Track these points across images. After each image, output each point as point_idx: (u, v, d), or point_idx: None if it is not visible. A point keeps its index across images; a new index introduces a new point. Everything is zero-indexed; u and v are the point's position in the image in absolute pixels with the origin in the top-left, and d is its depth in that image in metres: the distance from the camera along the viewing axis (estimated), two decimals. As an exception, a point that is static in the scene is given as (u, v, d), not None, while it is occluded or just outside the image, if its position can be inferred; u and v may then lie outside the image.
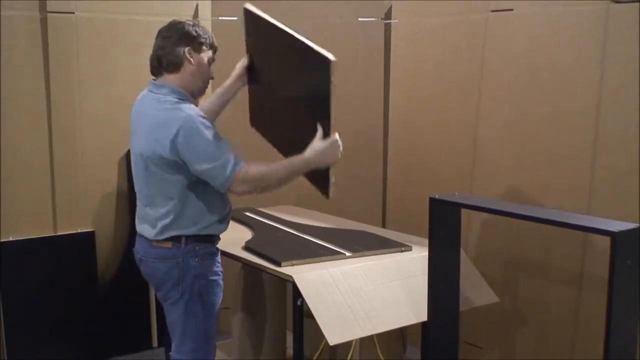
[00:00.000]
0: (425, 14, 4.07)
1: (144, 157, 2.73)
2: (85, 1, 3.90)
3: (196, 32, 2.79)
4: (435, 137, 4.08)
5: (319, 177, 2.81)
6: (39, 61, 3.84)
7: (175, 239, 2.75)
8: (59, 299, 3.98)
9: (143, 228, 2.84)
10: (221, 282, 2.87)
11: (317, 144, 2.71)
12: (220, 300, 2.89)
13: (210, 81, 2.90)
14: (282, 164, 2.77)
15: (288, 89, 2.96)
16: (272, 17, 4.21)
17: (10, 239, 3.85)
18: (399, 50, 4.25)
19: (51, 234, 3.98)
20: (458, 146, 3.93)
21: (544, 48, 3.45)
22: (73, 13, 3.88)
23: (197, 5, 4.26)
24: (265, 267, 2.98)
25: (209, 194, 2.76)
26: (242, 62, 3.12)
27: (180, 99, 2.73)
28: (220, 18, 4.25)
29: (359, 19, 4.27)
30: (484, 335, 3.86)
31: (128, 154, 4.14)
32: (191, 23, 2.81)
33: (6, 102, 3.76)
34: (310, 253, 3.09)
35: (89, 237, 4.08)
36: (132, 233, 4.18)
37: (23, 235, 3.89)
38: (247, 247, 3.19)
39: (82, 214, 4.06)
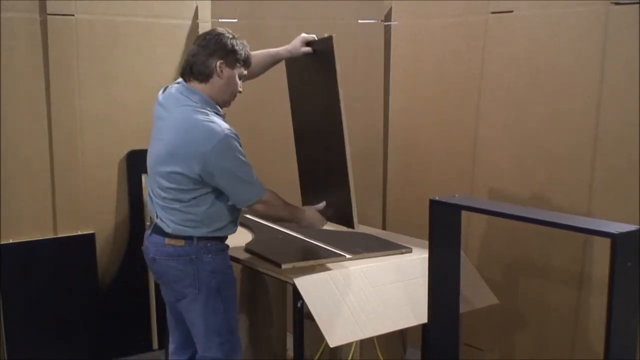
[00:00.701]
0: (425, 16, 4.07)
1: (165, 161, 2.74)
2: (84, 2, 3.89)
3: (233, 46, 2.78)
4: (435, 138, 4.07)
5: (342, 216, 3.02)
6: (39, 63, 3.83)
7: (188, 238, 2.78)
8: (59, 301, 3.98)
9: (157, 222, 2.86)
10: (234, 275, 2.93)
11: (316, 214, 3.03)
12: (237, 293, 2.95)
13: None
14: (292, 208, 2.97)
15: (324, 148, 3.13)
16: (272, 19, 4.23)
17: (11, 241, 3.84)
18: (399, 52, 4.25)
19: (51, 236, 3.98)
20: (458, 147, 3.93)
21: (543, 49, 3.45)
22: (73, 15, 3.87)
23: (197, 7, 4.25)
24: (265, 268, 2.98)
25: (224, 200, 2.80)
26: (306, 48, 3.10)
27: (212, 112, 2.75)
28: (220, 20, 4.24)
29: (359, 21, 4.27)
30: (484, 336, 3.86)
31: (129, 155, 4.16)
32: (230, 35, 2.79)
33: (6, 104, 3.76)
34: (310, 255, 3.09)
35: (90, 239, 4.08)
36: (133, 235, 4.22)
37: (23, 237, 3.89)
38: (248, 249, 3.19)
39: (83, 216, 4.05)
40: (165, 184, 2.76)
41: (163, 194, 2.79)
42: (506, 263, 3.70)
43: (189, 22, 4.25)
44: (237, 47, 2.78)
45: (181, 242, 2.78)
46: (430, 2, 4.03)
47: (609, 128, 3.24)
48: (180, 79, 2.88)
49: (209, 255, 2.80)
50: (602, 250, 3.25)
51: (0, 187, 3.78)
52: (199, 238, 2.78)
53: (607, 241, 2.14)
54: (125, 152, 4.15)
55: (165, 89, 2.92)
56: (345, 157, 2.89)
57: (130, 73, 4.10)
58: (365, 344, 3.48)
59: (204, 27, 4.25)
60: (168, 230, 2.79)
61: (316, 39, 3.09)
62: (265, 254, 3.07)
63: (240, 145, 2.72)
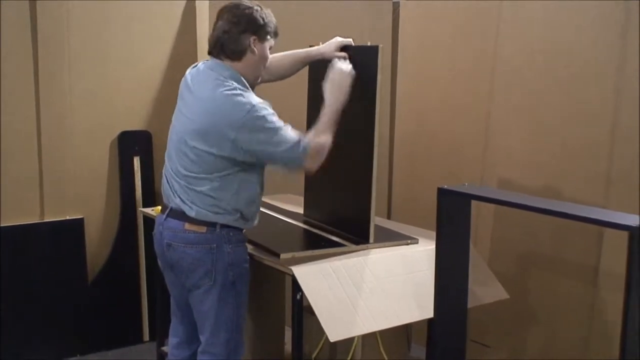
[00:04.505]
0: (435, -6, 4.06)
1: (194, 139, 2.74)
2: (76, -25, 3.89)
3: (263, 19, 2.81)
4: (444, 124, 4.06)
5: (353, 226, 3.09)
6: (27, 38, 3.83)
7: (210, 224, 2.78)
8: (46, 289, 3.99)
9: (175, 205, 2.84)
10: (249, 270, 2.93)
11: (341, 77, 2.92)
12: (249, 290, 2.95)
13: None
14: (326, 122, 2.86)
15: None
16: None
17: (-5, 225, 3.86)
18: (407, 32, 4.23)
19: (38, 220, 3.98)
20: (468, 133, 3.92)
21: (560, 32, 3.43)
22: (63, -12, 3.87)
23: (194, -18, 4.25)
24: (263, 258, 2.97)
25: (251, 188, 2.82)
26: (341, 54, 3.15)
27: (242, 89, 2.75)
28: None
29: (367, -1, 4.26)
30: (493, 333, 3.86)
31: (121, 136, 4.17)
32: (258, 8, 2.81)
33: (-9, 82, 3.76)
34: (310, 244, 3.09)
35: (78, 224, 4.09)
36: (124, 220, 4.23)
37: (8, 222, 3.89)
38: (244, 237, 3.19)
39: (71, 200, 4.06)
40: (191, 163, 2.76)
41: (187, 174, 2.78)
42: (517, 256, 3.70)
43: (185, -1, 4.25)
44: (267, 20, 2.82)
45: (203, 229, 2.77)
46: (441, -21, 4.01)
47: (628, 116, 3.22)
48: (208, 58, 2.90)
49: (230, 246, 2.80)
50: (618, 244, 3.25)
51: (-16, 168, 3.79)
52: (222, 225, 2.78)
53: (624, 234, 2.13)
54: (117, 132, 4.16)
55: (194, 66, 2.95)
56: (371, 167, 2.98)
57: (124, 50, 4.10)
58: (368, 340, 3.48)
59: (201, 5, 4.24)
60: (191, 213, 2.77)
61: (352, 43, 3.14)
62: (262, 242, 3.06)
63: (273, 113, 2.73)
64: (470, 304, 2.92)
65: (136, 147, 4.23)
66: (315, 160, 2.80)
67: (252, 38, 2.77)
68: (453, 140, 4.02)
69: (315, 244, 3.08)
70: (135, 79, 4.17)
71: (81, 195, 4.10)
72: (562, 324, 3.54)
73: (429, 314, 2.85)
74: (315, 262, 2.87)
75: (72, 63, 3.95)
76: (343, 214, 3.22)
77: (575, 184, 3.42)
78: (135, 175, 4.23)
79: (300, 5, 4.19)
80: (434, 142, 4.13)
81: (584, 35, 3.34)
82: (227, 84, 2.73)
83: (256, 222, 2.94)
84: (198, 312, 2.91)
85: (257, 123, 2.67)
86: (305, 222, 3.43)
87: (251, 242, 3.11)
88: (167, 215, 2.86)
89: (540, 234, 3.57)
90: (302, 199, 3.57)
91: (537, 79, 3.55)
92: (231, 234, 2.81)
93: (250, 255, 3.01)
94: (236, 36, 2.76)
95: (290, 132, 2.73)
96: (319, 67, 3.32)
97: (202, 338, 2.92)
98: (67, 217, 4.06)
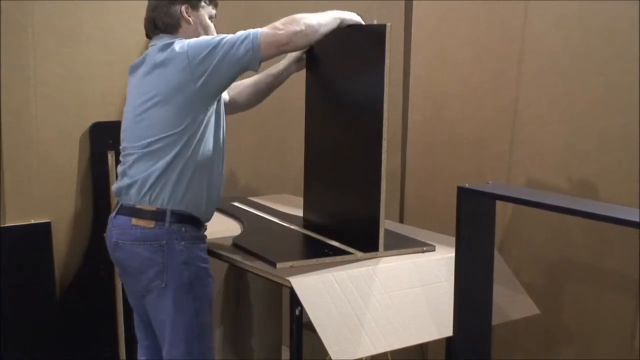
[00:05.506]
0: (455, -37, 4.06)
1: (144, 110, 2.88)
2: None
3: None
4: (465, 113, 4.07)
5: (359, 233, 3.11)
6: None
7: (159, 217, 2.83)
8: (7, 305, 3.97)
9: (124, 202, 2.93)
10: (211, 272, 2.98)
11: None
12: (213, 293, 3.00)
13: None
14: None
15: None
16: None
17: (-51, 230, 3.85)
18: (423, 6, 4.23)
19: (-1, 225, 3.98)
20: (493, 124, 3.92)
21: (599, 6, 3.42)
22: (27, -43, 3.86)
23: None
24: (256, 268, 2.97)
25: (205, 168, 2.90)
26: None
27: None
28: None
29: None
30: (521, 354, 3.86)
31: (93, 128, 4.15)
32: None
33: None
34: (311, 252, 3.09)
35: (45, 229, 4.07)
36: (97, 224, 4.22)
37: (-36, 226, 3.89)
38: (235, 244, 3.19)
39: (36, 202, 4.05)
40: (140, 140, 2.88)
41: (137, 151, 2.90)
42: (549, 265, 3.70)
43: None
44: None
45: (151, 224, 2.84)
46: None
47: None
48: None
49: (182, 243, 2.86)
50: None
51: None
52: (172, 218, 2.84)
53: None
54: (89, 124, 4.15)
55: None
56: (380, 162, 2.97)
57: (97, 30, 4.09)
58: (377, 361, 3.48)
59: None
60: (137, 198, 2.85)
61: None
62: (256, 250, 3.07)
63: None
64: (495, 321, 2.91)
65: (110, 141, 4.21)
66: (271, 36, 2.83)
67: (182, 7, 2.97)
68: (475, 132, 4.02)
69: (316, 251, 3.08)
70: (109, 62, 4.15)
71: (48, 196, 4.08)
72: (601, 343, 3.54)
73: (448, 331, 2.84)
74: (317, 272, 2.87)
75: (38, 44, 3.94)
76: (348, 217, 3.22)
77: (615, 182, 3.42)
78: (110, 173, 4.22)
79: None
80: (453, 133, 4.13)
81: (627, 10, 3.33)
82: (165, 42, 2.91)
83: (210, 213, 3.03)
84: (154, 320, 2.96)
85: (196, 43, 2.83)
86: (304, 227, 3.44)
87: (243, 249, 3.12)
88: (117, 213, 2.95)
89: (576, 240, 3.57)
90: (301, 199, 3.57)
91: (572, 60, 3.55)
92: (183, 229, 2.87)
93: (242, 264, 3.01)
94: (166, 9, 2.97)
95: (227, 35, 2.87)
96: (318, 56, 3.31)
97: (163, 351, 2.96)
98: (32, 221, 4.05)
